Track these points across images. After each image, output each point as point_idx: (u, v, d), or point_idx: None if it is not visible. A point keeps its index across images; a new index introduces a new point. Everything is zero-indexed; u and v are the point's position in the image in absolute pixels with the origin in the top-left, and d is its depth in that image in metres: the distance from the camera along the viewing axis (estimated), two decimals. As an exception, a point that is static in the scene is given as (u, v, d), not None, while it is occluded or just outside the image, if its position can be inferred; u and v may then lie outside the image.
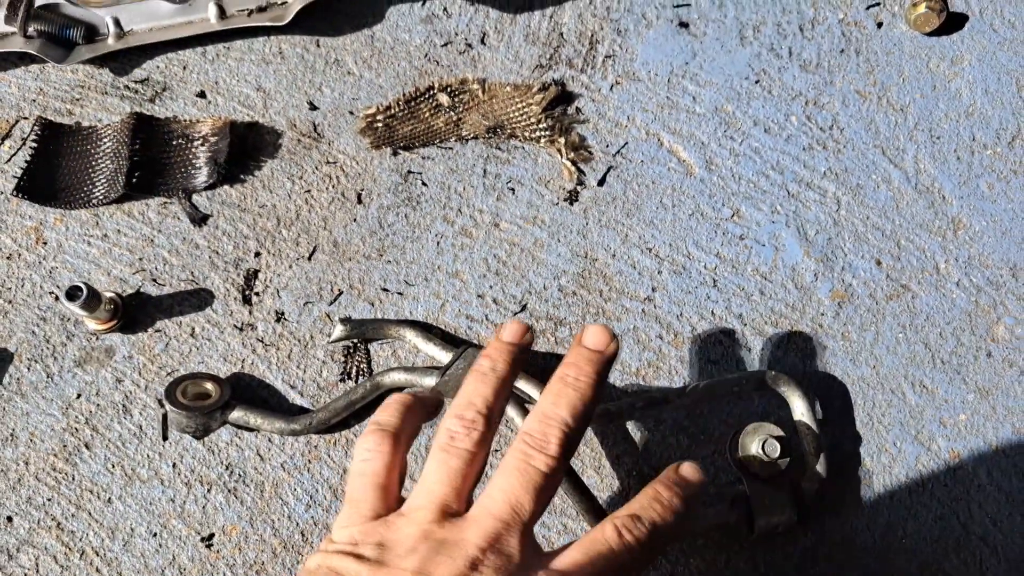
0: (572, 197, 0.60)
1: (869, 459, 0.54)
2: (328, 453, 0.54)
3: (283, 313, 0.57)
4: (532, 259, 0.59)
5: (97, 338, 0.56)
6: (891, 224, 0.59)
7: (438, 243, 0.59)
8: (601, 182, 0.60)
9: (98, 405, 0.55)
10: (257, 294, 0.58)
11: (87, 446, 0.54)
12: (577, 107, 0.63)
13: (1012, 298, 0.57)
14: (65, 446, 0.54)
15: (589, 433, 0.54)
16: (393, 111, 0.62)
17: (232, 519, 0.53)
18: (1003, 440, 0.54)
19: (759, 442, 0.49)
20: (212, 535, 0.52)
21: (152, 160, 0.60)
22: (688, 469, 0.43)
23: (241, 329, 0.57)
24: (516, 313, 0.57)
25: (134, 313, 0.57)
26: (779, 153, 0.61)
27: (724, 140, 0.61)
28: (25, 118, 0.62)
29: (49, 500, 0.53)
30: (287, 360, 0.56)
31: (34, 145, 0.61)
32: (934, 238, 0.59)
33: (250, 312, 0.57)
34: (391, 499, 0.42)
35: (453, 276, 0.58)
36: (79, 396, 0.55)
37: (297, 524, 0.53)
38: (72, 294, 0.52)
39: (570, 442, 0.41)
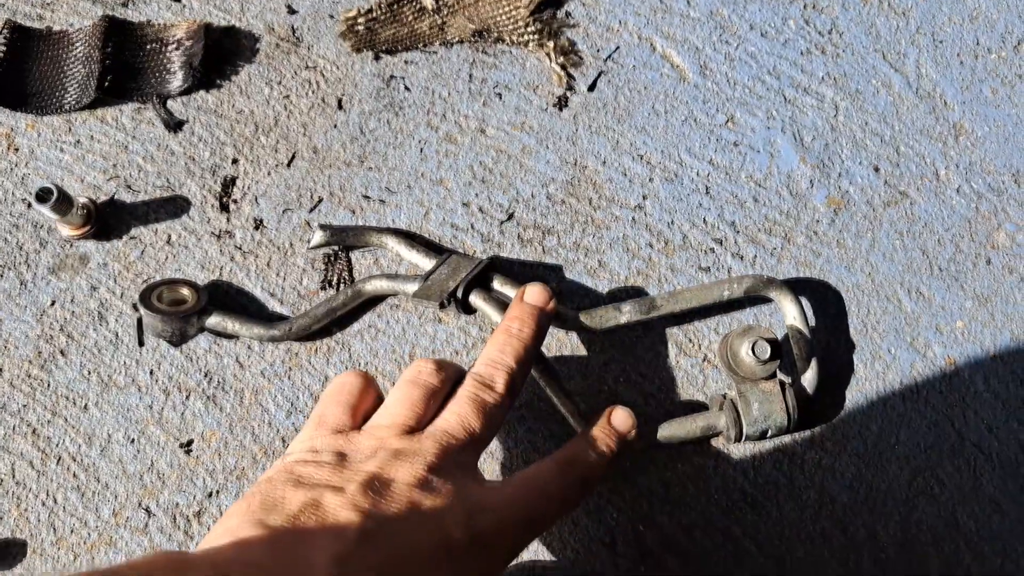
0: (561, 103, 0.58)
1: (862, 366, 0.53)
2: (309, 361, 0.53)
3: (262, 220, 0.55)
4: (519, 166, 0.57)
5: (71, 245, 0.55)
6: (890, 130, 0.57)
7: (421, 150, 0.57)
8: (591, 87, 0.58)
9: (73, 312, 0.53)
10: (235, 201, 0.56)
11: (62, 353, 0.53)
12: (567, 11, 0.60)
13: (1014, 204, 0.55)
14: (40, 353, 0.53)
15: (576, 340, 0.53)
16: (375, 14, 0.59)
17: (211, 426, 0.52)
18: (1001, 347, 0.53)
19: (749, 344, 0.48)
20: (191, 441, 0.51)
21: (125, 65, 0.58)
22: (620, 416, 0.47)
23: (219, 237, 0.55)
24: (503, 222, 0.55)
25: (109, 220, 0.55)
26: (776, 58, 0.59)
27: (719, 45, 0.59)
28: (-7, 23, 0.60)
29: (24, 407, 0.52)
30: (266, 268, 0.55)
31: (3, 49, 0.58)
32: (935, 144, 0.57)
33: (228, 220, 0.55)
34: (356, 419, 0.43)
35: (437, 183, 0.56)
36: (53, 303, 0.54)
37: (278, 431, 0.51)
38: (42, 196, 0.50)
39: (514, 383, 0.44)
